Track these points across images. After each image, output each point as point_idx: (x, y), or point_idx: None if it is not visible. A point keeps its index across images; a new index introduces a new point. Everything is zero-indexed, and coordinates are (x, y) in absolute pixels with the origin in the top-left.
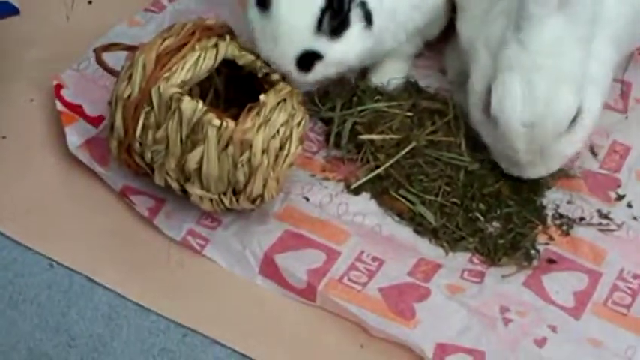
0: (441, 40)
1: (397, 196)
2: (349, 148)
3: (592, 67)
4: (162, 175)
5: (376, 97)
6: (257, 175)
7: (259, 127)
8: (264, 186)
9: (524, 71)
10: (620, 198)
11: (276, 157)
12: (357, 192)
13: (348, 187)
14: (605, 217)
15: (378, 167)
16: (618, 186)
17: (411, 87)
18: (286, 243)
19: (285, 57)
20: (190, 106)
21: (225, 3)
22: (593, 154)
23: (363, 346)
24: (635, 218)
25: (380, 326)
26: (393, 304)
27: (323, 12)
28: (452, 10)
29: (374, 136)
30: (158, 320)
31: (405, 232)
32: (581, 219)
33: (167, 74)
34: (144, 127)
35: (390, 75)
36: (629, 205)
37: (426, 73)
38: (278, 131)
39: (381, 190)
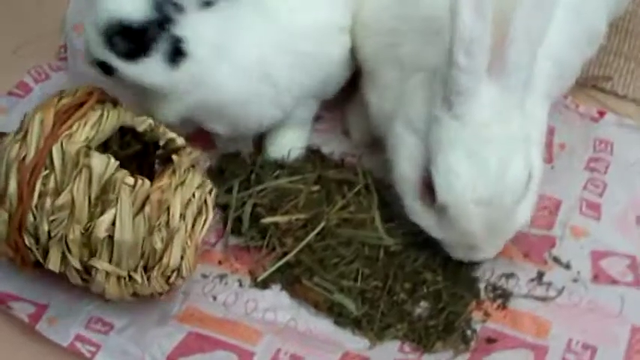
0: (340, 99)
1: (311, 285)
2: (252, 235)
3: (529, 128)
4: (60, 253)
5: (276, 173)
6: (175, 241)
7: (176, 189)
8: (182, 257)
9: (468, 147)
10: (556, 260)
11: (194, 223)
12: (265, 285)
13: (254, 279)
14: (544, 283)
15: (286, 254)
16: (553, 246)
17: (314, 156)
18: (191, 346)
19: (87, 58)
20: (101, 161)
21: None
22: None
23: None
24: (575, 280)
25: None
26: None
27: (114, 31)
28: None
29: (278, 218)
30: None
31: (323, 325)
32: (518, 289)
33: (68, 132)
34: (40, 194)
35: (289, 145)
36: (568, 266)
37: (328, 137)
38: (194, 195)
39: (292, 279)
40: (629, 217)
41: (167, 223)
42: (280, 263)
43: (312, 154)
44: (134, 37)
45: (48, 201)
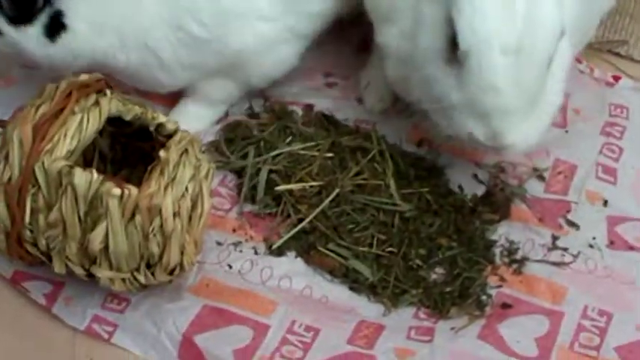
0: (354, 66)
1: (326, 252)
2: (266, 202)
3: None
4: (62, 262)
5: (289, 139)
6: (172, 242)
7: (166, 188)
8: (182, 253)
9: None
10: (572, 224)
11: (190, 218)
12: (280, 252)
13: (269, 247)
14: (559, 248)
15: (300, 221)
16: (568, 211)
17: (327, 122)
18: (206, 321)
19: None
20: (84, 178)
21: None
22: (541, 177)
23: None
24: (591, 246)
25: None
26: None
27: None
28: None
29: (292, 186)
30: None
31: (339, 292)
32: (533, 253)
33: (49, 146)
34: (32, 211)
35: (192, 119)
36: (583, 231)
37: (342, 104)
38: (187, 189)
39: (307, 246)
40: None
41: (161, 226)
42: (295, 230)
43: (326, 120)
44: (21, 4)
45: (41, 217)
